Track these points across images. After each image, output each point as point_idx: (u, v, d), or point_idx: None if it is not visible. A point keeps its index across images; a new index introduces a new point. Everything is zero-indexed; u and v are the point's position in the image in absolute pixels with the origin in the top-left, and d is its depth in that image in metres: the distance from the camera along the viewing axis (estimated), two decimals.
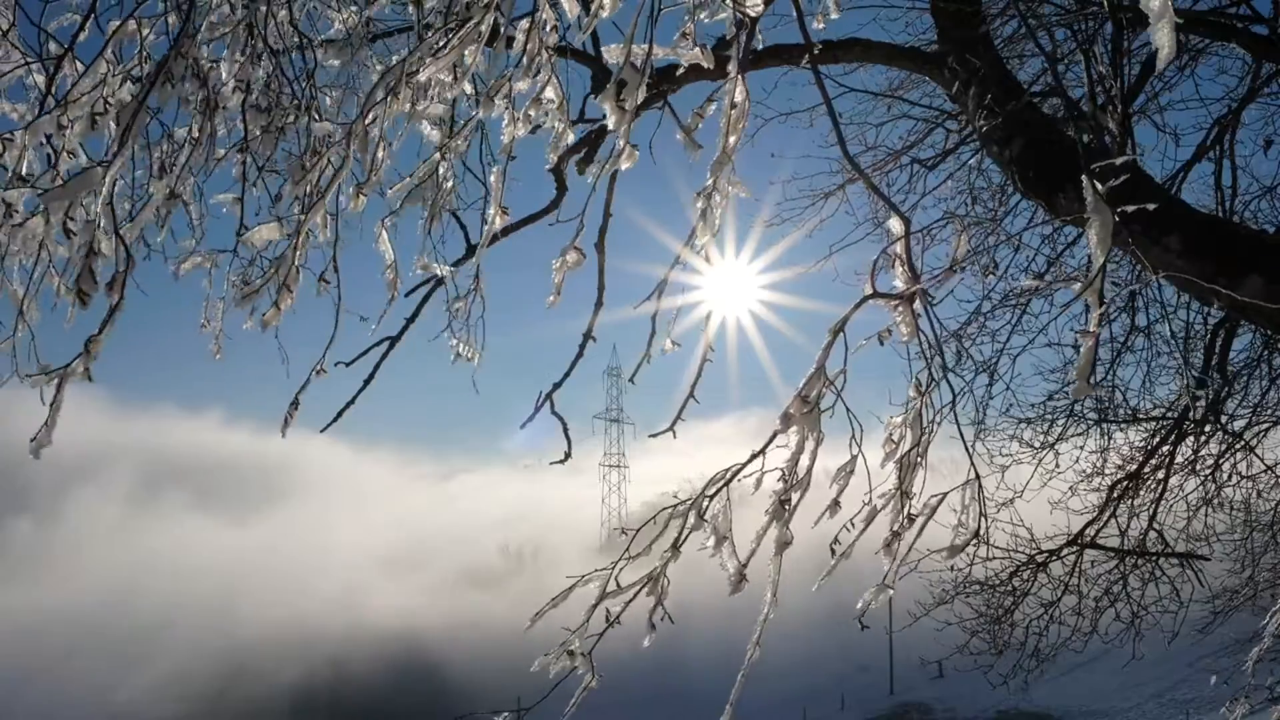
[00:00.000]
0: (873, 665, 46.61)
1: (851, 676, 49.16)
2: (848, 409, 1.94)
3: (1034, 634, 7.12)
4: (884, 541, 1.97)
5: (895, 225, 2.10)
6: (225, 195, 2.74)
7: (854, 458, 1.96)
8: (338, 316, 2.64)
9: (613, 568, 2.00)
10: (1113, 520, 6.80)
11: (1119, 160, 1.89)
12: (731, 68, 1.86)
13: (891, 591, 2.00)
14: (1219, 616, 7.61)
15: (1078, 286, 1.62)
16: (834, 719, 46.90)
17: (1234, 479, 7.15)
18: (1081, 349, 1.71)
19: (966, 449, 2.26)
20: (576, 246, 2.37)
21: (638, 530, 2.03)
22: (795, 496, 1.92)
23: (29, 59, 2.62)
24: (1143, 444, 7.14)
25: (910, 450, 1.99)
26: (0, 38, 2.58)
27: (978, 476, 2.11)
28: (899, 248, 2.06)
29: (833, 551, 1.99)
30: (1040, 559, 6.89)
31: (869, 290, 2.02)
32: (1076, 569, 6.93)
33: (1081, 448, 7.38)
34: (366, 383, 3.40)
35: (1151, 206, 1.71)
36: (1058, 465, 7.33)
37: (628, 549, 2.02)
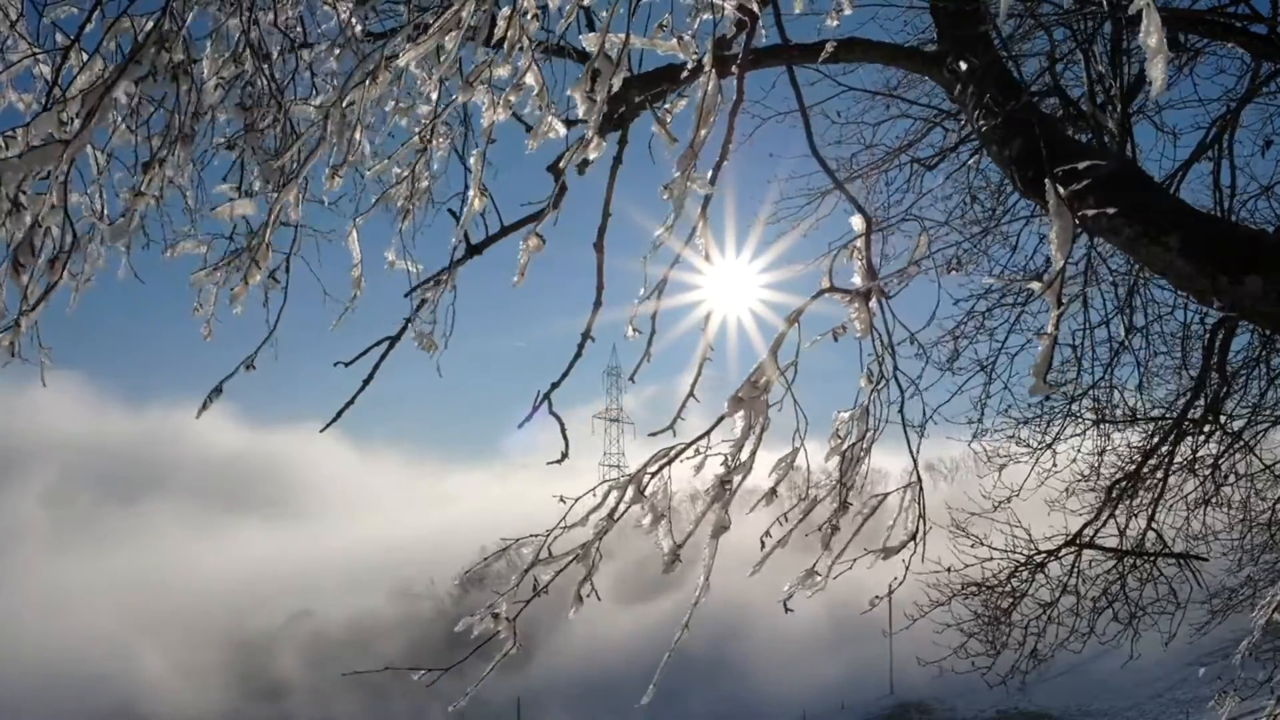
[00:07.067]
0: (872, 665, 46.45)
1: (851, 677, 49.05)
2: (795, 401, 1.95)
3: (1032, 634, 7.11)
4: (818, 527, 1.99)
5: (857, 222, 2.10)
6: (223, 186, 2.75)
7: (795, 450, 1.98)
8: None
9: (547, 535, 2.00)
10: (1111, 520, 6.79)
11: (1083, 165, 1.89)
12: (707, 61, 1.86)
13: (820, 580, 2.01)
14: (1217, 616, 7.61)
15: (1037, 287, 1.61)
16: (834, 719, 46.86)
17: (1232, 479, 7.14)
18: (1040, 348, 1.72)
19: (910, 451, 2.26)
20: (538, 233, 2.40)
21: (576, 500, 2.03)
22: (736, 480, 1.93)
23: (36, 50, 2.62)
24: (1141, 444, 7.13)
25: (854, 444, 2.00)
26: (9, 28, 2.59)
27: (919, 479, 2.13)
28: (860, 244, 2.07)
29: (762, 544, 2.01)
30: (1038, 559, 6.88)
31: (825, 284, 2.04)
32: (1075, 569, 6.92)
33: (1079, 448, 7.38)
34: (366, 383, 3.39)
35: (1111, 210, 1.72)
36: (1055, 465, 7.32)
37: (564, 518, 2.02)
